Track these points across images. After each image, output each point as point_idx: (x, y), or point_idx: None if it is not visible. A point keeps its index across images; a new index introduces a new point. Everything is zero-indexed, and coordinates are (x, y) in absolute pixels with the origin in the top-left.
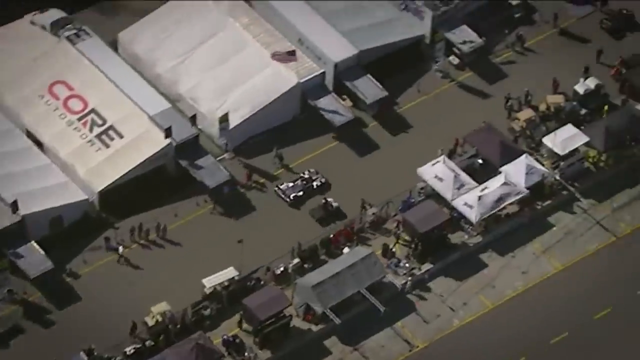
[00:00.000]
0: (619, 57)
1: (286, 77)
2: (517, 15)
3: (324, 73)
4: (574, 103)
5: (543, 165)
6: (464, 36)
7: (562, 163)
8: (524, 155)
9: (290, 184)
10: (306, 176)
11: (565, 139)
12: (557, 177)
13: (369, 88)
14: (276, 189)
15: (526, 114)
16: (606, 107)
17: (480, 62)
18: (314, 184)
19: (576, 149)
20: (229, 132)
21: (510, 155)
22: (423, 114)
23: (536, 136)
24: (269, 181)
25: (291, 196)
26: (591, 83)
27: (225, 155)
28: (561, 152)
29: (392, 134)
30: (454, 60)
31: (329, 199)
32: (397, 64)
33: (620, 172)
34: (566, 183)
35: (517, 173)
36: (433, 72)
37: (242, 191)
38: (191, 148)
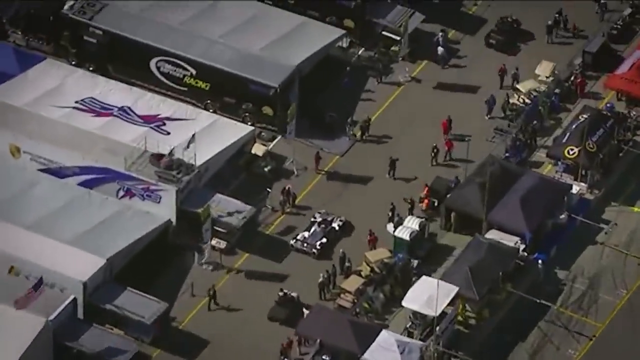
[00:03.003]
0: (424, 185)
1: (28, 319)
2: (267, 169)
3: (75, 300)
4: (400, 255)
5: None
6: (227, 207)
7: (437, 328)
8: (384, 332)
9: (307, 233)
10: (319, 219)
11: (429, 296)
12: (439, 348)
13: (141, 304)
14: (293, 241)
15: (352, 283)
16: None
17: (252, 238)
18: (335, 225)
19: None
20: None
21: (367, 336)
22: (213, 323)
23: (377, 307)
24: None
25: (317, 245)
26: (414, 224)
27: None
28: (434, 314)
29: (191, 356)
30: (219, 243)
31: (285, 290)
32: (152, 267)
33: (501, 323)
34: (451, 352)
35: (388, 356)
36: (200, 267)
37: None
38: None
